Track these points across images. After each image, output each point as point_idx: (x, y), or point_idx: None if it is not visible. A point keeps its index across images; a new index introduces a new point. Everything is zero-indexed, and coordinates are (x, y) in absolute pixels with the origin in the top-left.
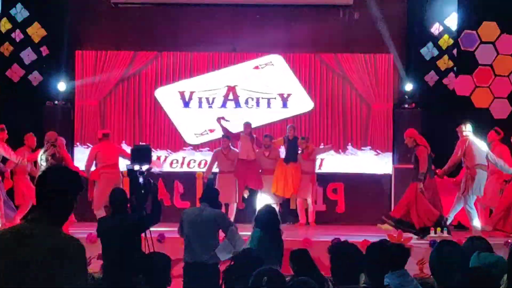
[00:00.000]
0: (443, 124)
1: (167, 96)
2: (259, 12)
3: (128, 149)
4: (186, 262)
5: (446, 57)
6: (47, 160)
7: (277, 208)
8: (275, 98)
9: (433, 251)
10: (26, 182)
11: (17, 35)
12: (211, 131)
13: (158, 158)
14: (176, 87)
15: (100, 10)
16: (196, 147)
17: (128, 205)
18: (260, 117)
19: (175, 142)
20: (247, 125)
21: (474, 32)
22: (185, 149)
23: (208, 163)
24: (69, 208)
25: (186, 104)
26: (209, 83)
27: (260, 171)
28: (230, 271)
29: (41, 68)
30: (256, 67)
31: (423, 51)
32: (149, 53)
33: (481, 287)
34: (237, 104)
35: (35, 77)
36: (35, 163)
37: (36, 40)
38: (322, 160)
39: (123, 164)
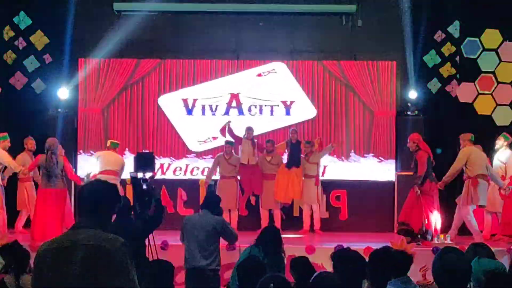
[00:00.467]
0: (445, 131)
1: (170, 103)
2: (262, 20)
3: (131, 157)
4: (187, 268)
5: (448, 64)
6: (48, 167)
7: (278, 213)
8: (278, 106)
9: (435, 258)
10: (28, 188)
11: (20, 43)
12: (214, 138)
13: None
14: (179, 94)
15: (103, 18)
16: (199, 155)
17: (132, 212)
18: (263, 124)
19: (178, 149)
20: (249, 129)
21: (477, 39)
22: (188, 157)
23: (210, 167)
24: (108, 217)
25: (189, 112)
26: (212, 90)
27: (262, 176)
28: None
29: (44, 76)
30: (259, 75)
31: (426, 58)
32: (152, 61)
33: None
34: (240, 112)
35: (38, 85)
36: (39, 168)
37: (39, 48)
38: (325, 167)
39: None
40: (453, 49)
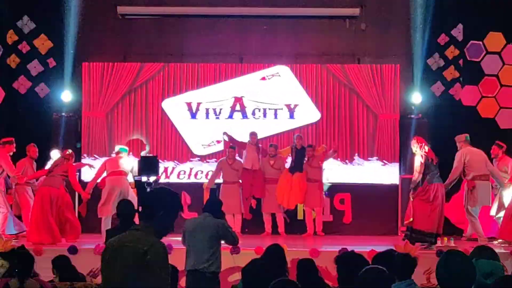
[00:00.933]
0: (449, 134)
1: (174, 107)
2: (266, 23)
3: (135, 161)
4: (187, 270)
5: (452, 67)
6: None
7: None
8: (282, 109)
9: (439, 261)
10: (24, 194)
11: (24, 47)
12: (218, 142)
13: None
14: (183, 98)
15: (107, 22)
16: (203, 158)
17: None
18: (267, 128)
19: (182, 153)
20: (253, 134)
21: (480, 42)
22: (192, 160)
23: (213, 172)
24: (165, 222)
25: (193, 115)
26: (216, 94)
27: (264, 180)
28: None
29: (48, 80)
30: (263, 78)
31: (430, 61)
32: (156, 65)
33: None
34: (244, 115)
35: (42, 89)
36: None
37: (43, 52)
38: (329, 170)
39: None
40: (457, 52)
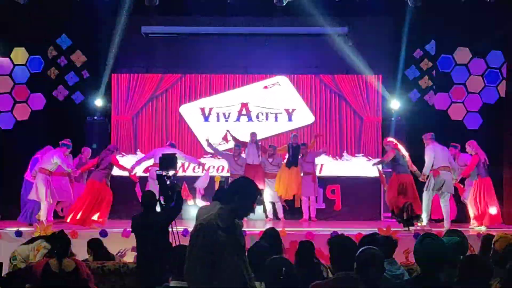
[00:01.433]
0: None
1: (189, 112)
2: (267, 40)
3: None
4: None
5: (426, 77)
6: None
7: (280, 206)
8: (281, 113)
9: (416, 242)
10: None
11: (62, 61)
12: (226, 140)
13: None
14: (197, 104)
15: (132, 39)
16: (214, 155)
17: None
18: (269, 129)
19: (197, 150)
20: (253, 134)
21: (450, 56)
22: (205, 157)
23: (224, 151)
24: (241, 207)
25: (206, 119)
26: (226, 100)
27: (264, 174)
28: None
29: (83, 89)
30: (265, 87)
31: (407, 72)
32: (175, 76)
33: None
34: (249, 118)
35: (77, 97)
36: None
37: (78, 65)
38: (322, 165)
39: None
40: (430, 64)
